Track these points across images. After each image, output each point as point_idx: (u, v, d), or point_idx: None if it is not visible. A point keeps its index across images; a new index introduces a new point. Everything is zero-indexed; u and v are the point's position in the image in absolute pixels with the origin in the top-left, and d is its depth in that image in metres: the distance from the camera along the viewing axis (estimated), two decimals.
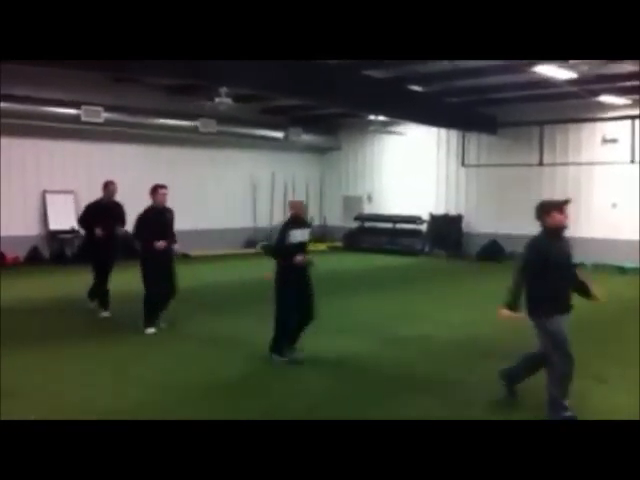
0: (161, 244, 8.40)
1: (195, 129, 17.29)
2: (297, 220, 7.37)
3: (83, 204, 16.06)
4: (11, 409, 5.34)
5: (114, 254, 9.69)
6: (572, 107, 16.49)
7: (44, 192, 15.87)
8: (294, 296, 7.10)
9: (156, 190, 8.67)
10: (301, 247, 7.23)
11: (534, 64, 11.03)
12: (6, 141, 14.92)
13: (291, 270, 7.06)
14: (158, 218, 8.59)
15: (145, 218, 8.56)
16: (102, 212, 9.48)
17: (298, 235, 7.19)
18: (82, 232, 9.80)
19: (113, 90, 15.72)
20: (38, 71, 12.93)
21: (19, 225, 15.43)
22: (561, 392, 5.41)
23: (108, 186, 9.74)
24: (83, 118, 15.10)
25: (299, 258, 6.99)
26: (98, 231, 9.24)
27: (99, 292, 9.60)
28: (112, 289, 9.68)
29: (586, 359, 7.50)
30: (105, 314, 9.54)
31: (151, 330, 8.53)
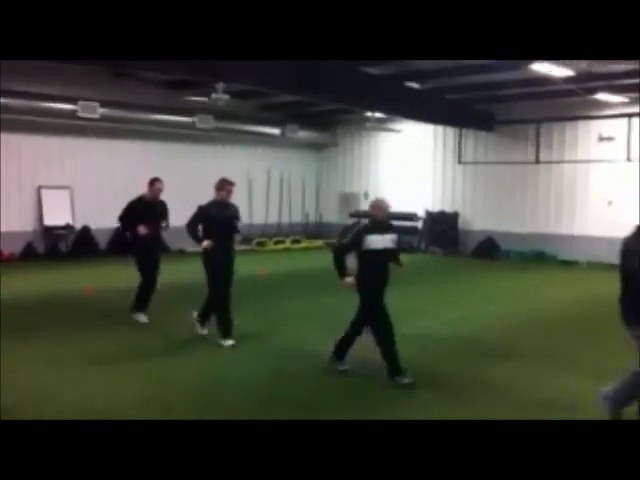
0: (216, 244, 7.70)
1: (192, 125, 17.24)
2: (377, 224, 6.52)
3: (78, 199, 16.25)
4: (8, 406, 5.32)
5: (159, 254, 9.09)
6: (569, 105, 16.51)
7: (39, 187, 15.82)
8: (375, 306, 6.52)
9: (223, 186, 7.99)
10: (384, 255, 6.48)
11: (532, 62, 11.02)
12: (2, 136, 14.85)
13: (372, 274, 6.39)
14: (220, 214, 7.92)
15: (205, 213, 7.90)
16: (146, 210, 8.77)
17: (378, 241, 6.37)
18: (123, 229, 9.05)
19: (110, 85, 15.65)
20: (34, 66, 12.88)
21: (14, 221, 15.40)
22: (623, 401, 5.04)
23: (154, 183, 8.91)
24: (79, 113, 15.04)
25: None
26: (142, 229, 8.52)
27: (146, 294, 8.90)
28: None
29: (583, 357, 7.54)
30: (143, 319, 8.85)
31: (204, 331, 8.09)
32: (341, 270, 6.44)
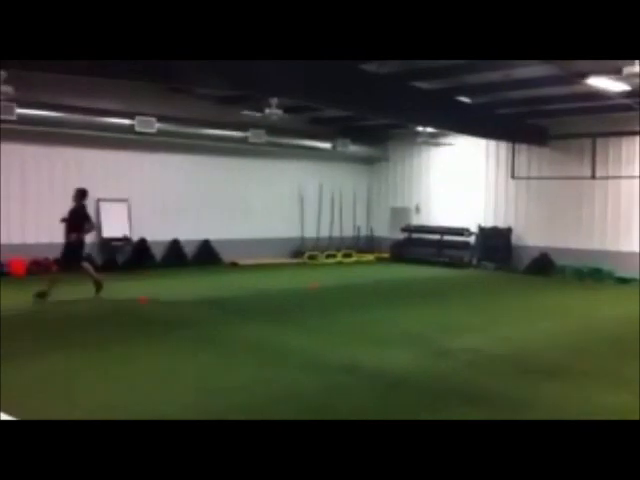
0: None
1: (245, 139, 17.53)
2: None
3: (135, 212, 16.64)
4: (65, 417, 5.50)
5: None
6: (625, 119, 16.16)
7: (98, 200, 16.29)
8: None
9: None
10: None
11: (586, 76, 10.88)
12: (64, 150, 15.41)
13: None
14: None
15: None
16: None
17: None
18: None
19: (166, 101, 16.09)
20: (94, 82, 13.38)
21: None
22: None
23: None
24: (137, 128, 15.50)
25: None
26: None
27: None
28: None
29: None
30: None
31: None
32: None
